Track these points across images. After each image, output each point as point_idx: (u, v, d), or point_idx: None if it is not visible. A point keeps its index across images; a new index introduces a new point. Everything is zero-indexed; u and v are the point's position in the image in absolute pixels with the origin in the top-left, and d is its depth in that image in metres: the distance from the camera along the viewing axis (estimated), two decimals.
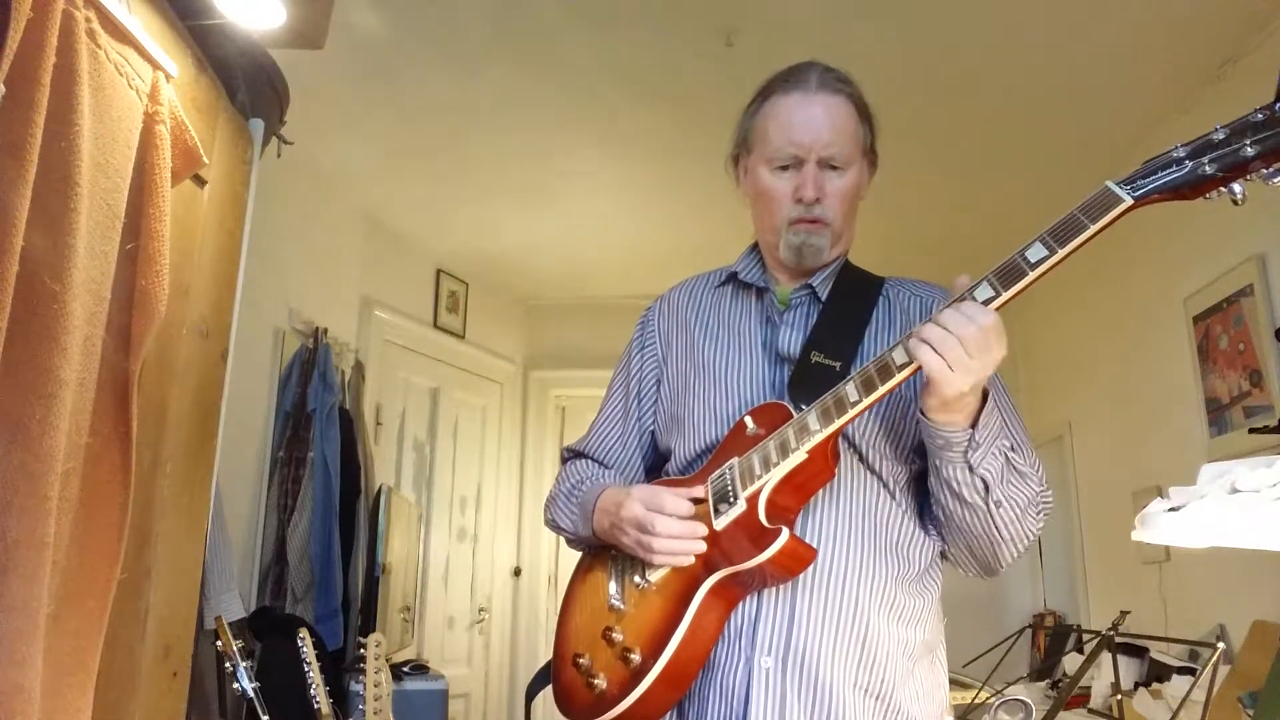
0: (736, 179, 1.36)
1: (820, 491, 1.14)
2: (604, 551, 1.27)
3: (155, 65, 1.36)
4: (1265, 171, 0.88)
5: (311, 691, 2.14)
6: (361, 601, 3.41)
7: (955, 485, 1.08)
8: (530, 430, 5.08)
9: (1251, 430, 2.52)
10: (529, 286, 4.97)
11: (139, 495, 1.31)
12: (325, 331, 3.42)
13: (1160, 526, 1.26)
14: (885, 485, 1.19)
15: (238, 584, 2.40)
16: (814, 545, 1.12)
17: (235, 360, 1.79)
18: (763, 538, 1.06)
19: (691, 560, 1.12)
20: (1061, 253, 0.94)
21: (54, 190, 1.10)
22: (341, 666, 3.12)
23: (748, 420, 1.17)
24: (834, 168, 1.23)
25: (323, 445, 3.23)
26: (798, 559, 1.07)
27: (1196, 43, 2.63)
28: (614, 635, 1.16)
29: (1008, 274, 0.98)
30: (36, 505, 1.05)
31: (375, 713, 2.47)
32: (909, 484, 1.22)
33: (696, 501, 1.15)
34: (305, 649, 2.17)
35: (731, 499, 1.11)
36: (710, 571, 1.10)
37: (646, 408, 1.38)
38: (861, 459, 1.18)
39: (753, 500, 1.09)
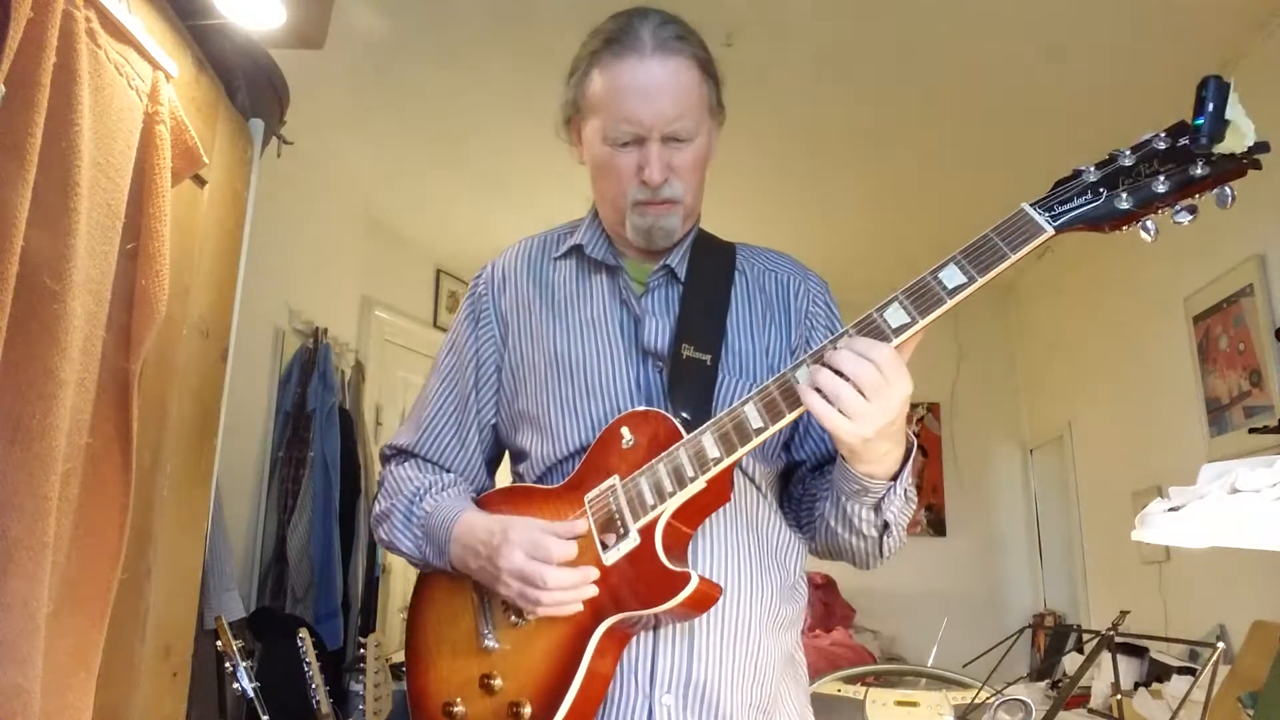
0: (570, 143, 1.22)
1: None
2: (462, 578, 1.12)
3: (155, 65, 1.37)
4: (1174, 209, 0.87)
5: (311, 691, 2.14)
6: (361, 601, 3.41)
7: (857, 521, 1.04)
8: None
9: (1251, 430, 2.52)
10: None
11: (139, 495, 1.31)
12: (325, 331, 3.42)
13: (1160, 526, 1.26)
14: (759, 488, 1.14)
15: (238, 584, 2.40)
16: (708, 569, 1.06)
17: (235, 360, 1.79)
18: (667, 581, 0.96)
19: (580, 609, 1.01)
20: (981, 281, 0.89)
21: (54, 190, 1.10)
22: (341, 666, 3.12)
23: (624, 430, 1.05)
24: (680, 141, 1.10)
25: (323, 445, 3.23)
26: (706, 600, 0.99)
27: (1196, 43, 2.63)
28: (493, 683, 1.05)
29: (922, 297, 0.91)
30: (36, 505, 1.05)
31: (375, 713, 2.47)
32: (774, 482, 1.17)
33: (580, 538, 1.04)
34: (305, 649, 2.17)
35: (621, 530, 1.00)
36: (605, 614, 1.00)
37: (486, 399, 1.22)
38: (738, 465, 1.08)
39: (647, 533, 0.99)
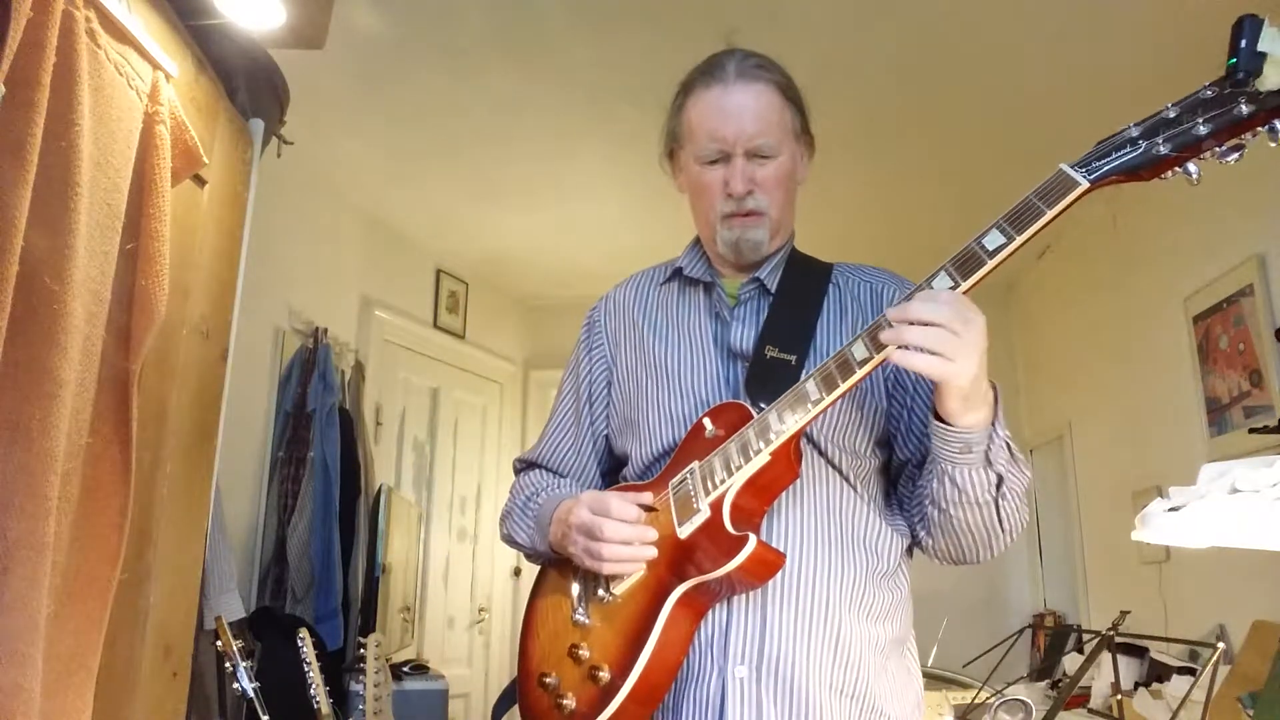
0: (671, 175, 1.34)
1: (784, 492, 1.11)
2: (565, 565, 1.22)
3: (155, 65, 1.37)
4: (1219, 149, 0.87)
5: (311, 691, 2.14)
6: (361, 601, 3.41)
7: (970, 489, 1.04)
8: (530, 430, 5.08)
9: (1251, 430, 2.52)
10: (529, 286, 4.97)
11: (139, 495, 1.31)
12: (325, 331, 3.42)
13: (1160, 526, 1.26)
14: (847, 480, 1.17)
15: (238, 584, 2.40)
16: (782, 547, 1.10)
17: (235, 360, 1.79)
18: (729, 546, 1.02)
19: (642, 568, 1.10)
20: (1019, 239, 0.92)
21: (54, 190, 1.10)
22: (341, 666, 3.12)
23: (706, 422, 1.14)
24: (763, 157, 1.20)
25: (323, 445, 3.23)
26: (766, 565, 1.04)
27: (1198, 39, 2.63)
28: (580, 652, 1.13)
29: (966, 262, 0.95)
30: (36, 505, 1.05)
31: (375, 713, 2.47)
32: (869, 477, 1.20)
33: (647, 508, 1.13)
34: (305, 649, 2.18)
35: (695, 506, 1.08)
36: (676, 582, 1.07)
37: (599, 411, 1.35)
38: (821, 454, 1.16)
39: (716, 506, 1.06)
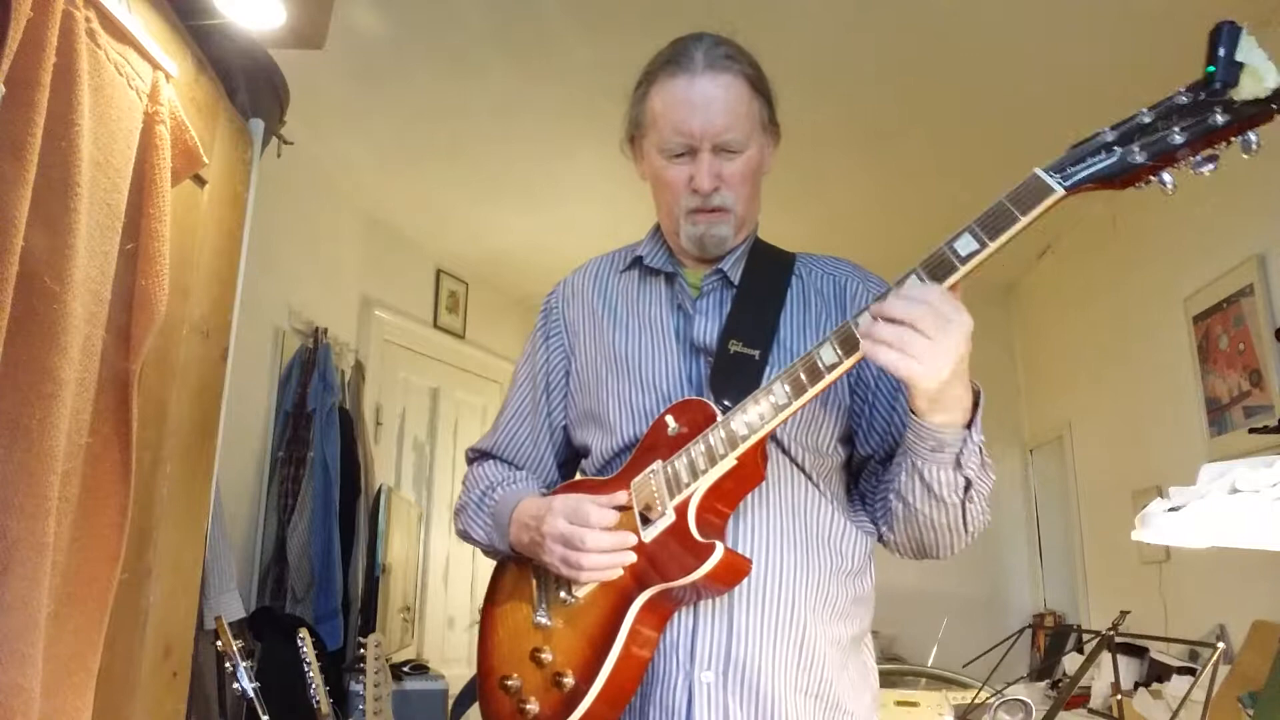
0: (634, 160, 1.30)
1: (749, 493, 1.10)
2: (524, 563, 1.20)
3: (155, 65, 1.36)
4: (1194, 160, 0.84)
5: (311, 691, 2.14)
6: (361, 601, 3.41)
7: (937, 486, 1.04)
8: None
9: (1251, 430, 2.52)
10: (529, 286, 4.97)
11: (139, 495, 1.31)
12: (325, 331, 3.42)
13: (1160, 526, 1.26)
14: (811, 479, 1.16)
15: (238, 584, 2.40)
16: (747, 550, 1.09)
17: (235, 360, 1.79)
18: (696, 552, 1.01)
19: (621, 573, 1.07)
20: (992, 246, 0.90)
21: (54, 190, 1.10)
22: (341, 666, 3.12)
23: (669, 419, 1.11)
24: (730, 152, 1.16)
25: (323, 445, 3.23)
26: (734, 571, 1.03)
27: (1198, 40, 2.63)
28: (543, 656, 1.12)
29: (937, 267, 0.93)
30: (36, 505, 1.05)
31: (375, 713, 2.47)
32: (831, 474, 1.18)
33: (620, 508, 1.10)
34: (305, 649, 2.17)
35: (660, 509, 1.06)
36: (642, 587, 1.05)
37: (556, 402, 1.31)
38: (785, 452, 1.14)
39: (681, 510, 1.04)
